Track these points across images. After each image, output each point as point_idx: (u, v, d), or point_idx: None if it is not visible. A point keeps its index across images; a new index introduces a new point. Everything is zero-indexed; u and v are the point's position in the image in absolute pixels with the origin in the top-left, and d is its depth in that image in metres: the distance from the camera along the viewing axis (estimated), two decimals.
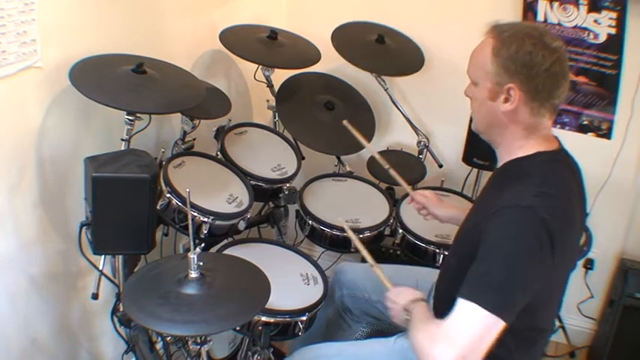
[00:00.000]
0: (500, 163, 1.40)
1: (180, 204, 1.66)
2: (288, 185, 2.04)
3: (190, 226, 1.30)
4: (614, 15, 2.09)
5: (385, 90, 2.32)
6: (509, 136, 1.34)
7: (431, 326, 1.26)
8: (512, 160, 1.35)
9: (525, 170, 1.31)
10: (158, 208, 1.66)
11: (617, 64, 2.16)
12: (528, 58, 1.25)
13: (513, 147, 1.35)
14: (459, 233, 1.52)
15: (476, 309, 1.17)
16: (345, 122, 1.91)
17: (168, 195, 1.66)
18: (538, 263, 1.21)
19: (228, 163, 1.95)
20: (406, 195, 2.18)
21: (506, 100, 1.29)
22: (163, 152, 1.87)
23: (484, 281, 1.20)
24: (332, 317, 1.87)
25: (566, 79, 1.29)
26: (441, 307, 1.48)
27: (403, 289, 1.48)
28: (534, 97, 1.28)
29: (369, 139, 2.29)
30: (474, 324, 1.17)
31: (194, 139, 2.00)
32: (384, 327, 1.79)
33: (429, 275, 1.69)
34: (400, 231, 2.02)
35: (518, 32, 1.27)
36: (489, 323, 1.16)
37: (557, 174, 1.32)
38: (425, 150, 2.38)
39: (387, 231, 2.06)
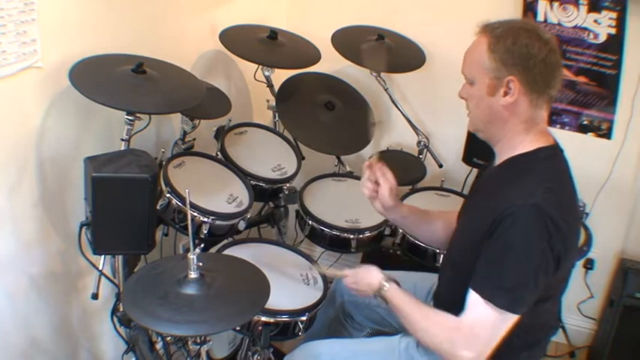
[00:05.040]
0: (499, 161, 1.40)
1: (180, 204, 1.66)
2: (288, 185, 2.04)
3: (190, 226, 1.30)
4: (614, 15, 2.09)
5: (385, 90, 2.32)
6: (508, 131, 1.35)
7: (445, 322, 1.32)
8: (513, 157, 1.36)
9: (529, 167, 1.32)
10: (158, 208, 1.66)
11: (617, 64, 2.16)
12: (525, 50, 1.27)
13: (514, 142, 1.35)
14: (455, 241, 1.53)
15: (491, 308, 1.24)
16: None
17: (168, 195, 1.66)
18: (548, 262, 1.25)
19: (228, 163, 1.95)
20: (406, 195, 2.18)
21: (506, 94, 1.31)
22: (163, 152, 1.87)
23: (499, 282, 1.25)
24: (333, 325, 1.87)
25: (560, 69, 1.32)
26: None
27: (361, 274, 1.52)
28: (533, 88, 1.30)
29: (369, 138, 2.30)
30: (491, 323, 1.26)
31: (194, 139, 2.00)
32: (386, 332, 1.79)
33: (426, 279, 1.70)
34: (400, 231, 2.02)
35: (512, 27, 1.31)
36: (504, 319, 1.25)
37: (559, 169, 1.34)
38: (425, 150, 2.37)
39: (387, 231, 2.06)
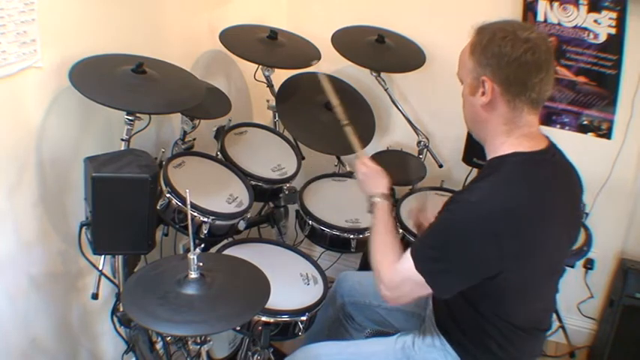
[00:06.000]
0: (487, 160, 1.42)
1: (180, 204, 1.66)
2: (288, 185, 2.04)
3: (190, 226, 1.30)
4: (614, 15, 2.09)
5: (385, 90, 2.32)
6: (491, 131, 1.35)
7: (388, 262, 1.43)
8: (491, 159, 1.37)
9: (495, 170, 1.32)
10: (158, 208, 1.66)
11: (617, 64, 2.16)
12: (497, 50, 1.27)
13: (496, 143, 1.35)
14: None
15: (414, 268, 1.33)
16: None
17: (168, 195, 1.66)
18: (477, 257, 1.27)
19: (228, 163, 1.95)
20: (407, 195, 2.18)
21: (483, 94, 1.31)
22: (163, 152, 1.87)
23: (426, 251, 1.34)
24: (334, 325, 1.87)
25: (541, 70, 1.27)
26: (441, 311, 1.50)
27: (374, 172, 1.61)
28: (508, 89, 1.28)
29: (369, 139, 2.30)
30: (414, 281, 1.33)
31: (194, 139, 2.00)
32: (387, 332, 1.79)
33: None
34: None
35: (493, 28, 1.30)
36: (421, 282, 1.32)
37: (527, 175, 1.31)
38: (425, 150, 2.37)
39: None
